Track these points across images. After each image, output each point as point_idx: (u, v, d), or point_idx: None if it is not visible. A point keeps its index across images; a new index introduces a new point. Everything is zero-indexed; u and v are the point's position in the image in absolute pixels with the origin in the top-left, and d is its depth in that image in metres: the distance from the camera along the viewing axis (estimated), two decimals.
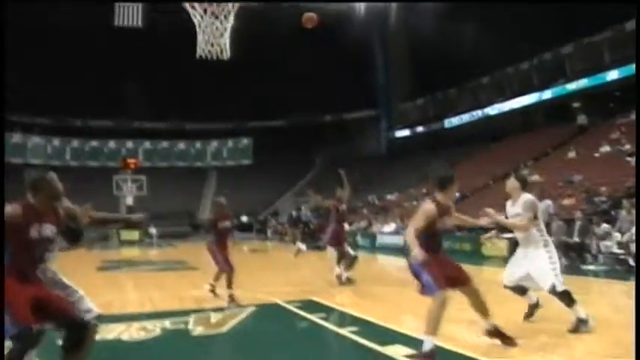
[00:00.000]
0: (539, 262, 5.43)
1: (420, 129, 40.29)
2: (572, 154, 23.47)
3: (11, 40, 34.01)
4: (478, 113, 34.60)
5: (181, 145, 45.91)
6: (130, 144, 44.30)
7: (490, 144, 32.10)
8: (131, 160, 35.64)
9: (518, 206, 5.62)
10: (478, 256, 15.81)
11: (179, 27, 37.08)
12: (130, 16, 37.25)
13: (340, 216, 10.61)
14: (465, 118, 35.65)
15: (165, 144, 45.53)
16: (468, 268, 5.09)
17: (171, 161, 44.79)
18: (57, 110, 41.96)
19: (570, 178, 19.80)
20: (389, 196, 32.04)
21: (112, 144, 43.96)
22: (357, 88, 42.43)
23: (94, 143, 43.69)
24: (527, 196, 5.61)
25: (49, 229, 3.69)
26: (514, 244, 6.44)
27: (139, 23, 37.16)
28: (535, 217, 5.50)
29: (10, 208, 3.63)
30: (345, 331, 5.78)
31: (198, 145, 46.25)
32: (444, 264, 4.75)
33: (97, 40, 38.49)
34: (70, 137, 43.51)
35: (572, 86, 28.05)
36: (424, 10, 35.27)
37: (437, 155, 35.09)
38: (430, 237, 4.66)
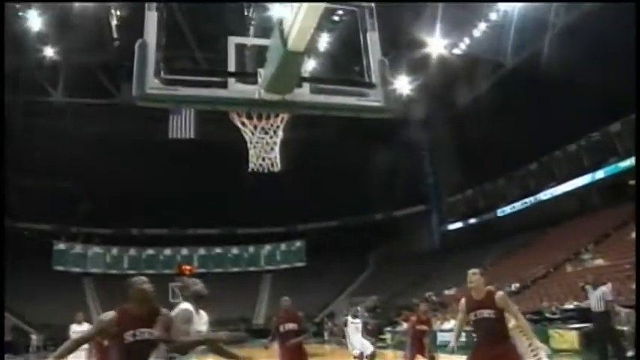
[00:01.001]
0: None
1: (472, 220, 39.86)
2: (634, 234, 22.59)
3: (73, 157, 36.33)
4: (531, 200, 34.07)
5: (234, 250, 46.55)
6: (184, 251, 45.26)
7: (547, 230, 31.39)
8: (186, 267, 36.34)
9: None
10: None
11: (229, 138, 39.13)
12: (182, 128, 39.29)
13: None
14: (518, 206, 35.14)
15: (218, 250, 46.29)
16: None
17: (225, 266, 45.28)
18: (115, 221, 43.89)
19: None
20: (447, 292, 31.28)
21: (167, 251, 45.05)
22: (406, 184, 42.75)
23: (151, 251, 44.86)
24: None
25: (146, 334, 3.88)
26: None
27: (191, 135, 39.09)
28: None
29: (106, 316, 3.91)
30: None
31: (251, 249, 46.81)
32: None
33: (153, 152, 40.71)
34: (127, 246, 44.91)
35: (625, 164, 27.30)
36: (465, 105, 36.14)
37: (492, 246, 34.50)
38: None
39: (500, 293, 5.85)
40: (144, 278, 4.13)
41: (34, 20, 30.13)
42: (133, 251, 44.74)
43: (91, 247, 44.36)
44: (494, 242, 34.70)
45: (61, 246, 43.50)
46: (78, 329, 11.74)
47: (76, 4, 29.05)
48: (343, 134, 39.47)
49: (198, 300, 4.82)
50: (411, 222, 45.31)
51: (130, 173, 41.48)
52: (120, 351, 3.84)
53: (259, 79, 3.83)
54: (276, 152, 4.68)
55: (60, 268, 42.39)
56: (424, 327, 10.03)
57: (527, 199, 34.39)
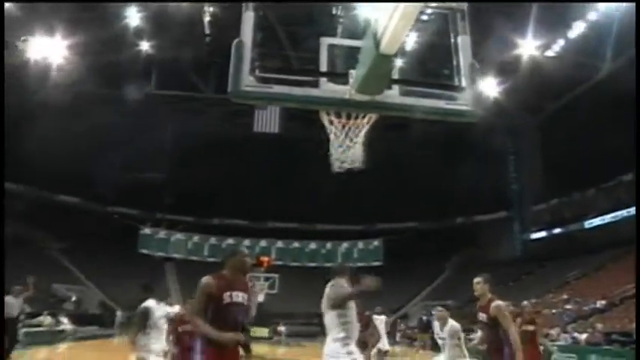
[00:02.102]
0: None
1: (557, 230, 38.29)
2: None
3: (161, 149, 38.00)
4: (622, 213, 32.30)
5: (312, 246, 47.06)
6: (263, 242, 46.25)
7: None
8: (264, 258, 37.04)
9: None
10: None
11: (312, 134, 39.66)
12: (267, 123, 40.10)
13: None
14: (607, 218, 33.44)
15: (296, 244, 46.96)
16: None
17: (302, 261, 45.88)
18: (198, 210, 45.63)
19: None
20: (525, 302, 30.19)
21: (246, 242, 46.20)
22: (490, 190, 41.72)
23: (231, 241, 46.10)
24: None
25: (240, 296, 4.26)
26: None
27: (276, 130, 39.85)
28: None
29: (205, 279, 4.27)
30: None
31: (328, 245, 47.16)
32: None
33: (237, 145, 41.91)
34: (208, 235, 46.45)
35: None
36: (555, 111, 34.71)
37: (577, 259, 33.00)
38: None
39: (496, 302, 5.88)
40: (246, 251, 4.61)
41: (133, 17, 31.63)
42: (213, 240, 46.20)
43: (174, 233, 46.33)
44: (579, 255, 33.16)
45: (147, 231, 45.74)
46: (170, 310, 12.36)
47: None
48: (428, 136, 38.97)
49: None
50: (493, 228, 44.14)
51: (214, 165, 43.05)
52: (218, 312, 4.17)
53: (350, 80, 3.90)
54: (360, 152, 4.75)
55: (144, 251, 44.56)
56: (530, 327, 9.91)
57: (618, 212, 32.67)
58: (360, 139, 4.65)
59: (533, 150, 40.03)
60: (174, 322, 7.65)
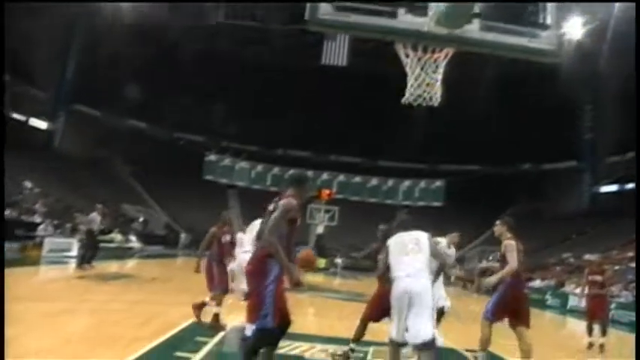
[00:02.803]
0: None
1: (629, 185, 36.67)
2: None
3: (227, 78, 38.35)
4: None
5: (374, 181, 47.09)
6: (325, 175, 46.60)
7: None
8: (326, 191, 37.39)
9: None
10: None
11: (379, 69, 38.96)
12: (335, 55, 39.53)
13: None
14: None
15: (358, 179, 47.08)
16: None
17: (363, 196, 46.09)
18: (263, 140, 46.25)
19: None
20: (587, 256, 29.42)
21: (309, 174, 46.67)
22: (560, 137, 40.11)
23: (293, 171, 46.72)
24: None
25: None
26: None
27: (344, 63, 39.29)
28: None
29: (289, 201, 4.39)
30: None
31: (390, 182, 47.06)
32: None
33: (304, 77, 41.73)
34: (272, 165, 47.18)
35: None
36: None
37: None
38: None
39: (507, 241, 6.19)
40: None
41: None
42: (276, 170, 46.91)
43: (238, 161, 47.27)
44: None
45: (212, 158, 46.85)
46: (244, 237, 12.96)
47: None
48: (499, 78, 37.44)
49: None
50: (560, 178, 42.72)
51: (280, 96, 43.19)
52: (290, 233, 4.32)
53: (429, 12, 3.79)
54: (438, 88, 4.65)
55: (209, 178, 45.83)
56: (598, 277, 9.97)
57: None
58: (439, 75, 4.54)
59: (615, 98, 37.83)
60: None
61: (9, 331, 5.38)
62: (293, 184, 4.59)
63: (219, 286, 7.68)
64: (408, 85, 4.65)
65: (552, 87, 35.18)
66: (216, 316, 7.48)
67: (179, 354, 5.45)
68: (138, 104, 41.90)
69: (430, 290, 4.77)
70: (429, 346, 4.50)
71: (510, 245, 6.12)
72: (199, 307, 7.57)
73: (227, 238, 7.95)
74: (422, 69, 4.49)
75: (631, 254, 26.11)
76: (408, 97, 4.73)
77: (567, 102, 39.05)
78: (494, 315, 6.06)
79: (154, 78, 41.10)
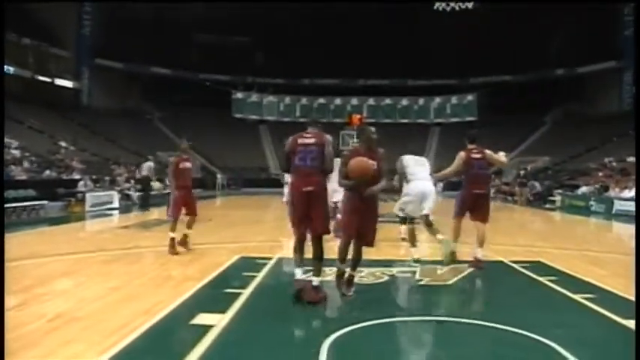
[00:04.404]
0: None
1: None
2: None
3: (247, 13, 37.59)
4: None
5: (404, 102, 46.27)
6: (354, 101, 45.97)
7: None
8: (356, 116, 36.97)
9: None
10: None
11: None
12: None
13: None
14: None
15: (388, 101, 46.30)
16: None
17: (394, 117, 45.42)
18: (288, 72, 45.60)
19: None
20: (629, 159, 28.69)
21: (337, 101, 46.07)
22: (596, 36, 38.29)
23: (322, 100, 46.14)
24: None
25: (370, 163, 5.22)
26: None
27: None
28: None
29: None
30: (579, 297, 5.45)
31: (421, 101, 46.16)
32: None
33: (325, 3, 40.57)
34: (299, 96, 46.68)
35: None
36: None
37: None
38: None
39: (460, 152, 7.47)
40: (372, 129, 5.59)
41: None
42: (304, 100, 46.42)
43: (266, 96, 46.84)
44: None
45: (239, 95, 46.50)
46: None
47: None
48: None
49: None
50: (598, 79, 41.17)
51: (302, 26, 42.20)
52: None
53: None
54: None
55: (238, 115, 45.70)
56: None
57: None
58: None
59: None
60: None
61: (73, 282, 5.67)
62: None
63: (172, 212, 8.29)
64: None
65: None
66: (172, 240, 8.06)
67: (228, 290, 5.51)
68: (158, 50, 41.62)
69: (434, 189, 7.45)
70: (428, 215, 7.11)
71: (458, 155, 7.36)
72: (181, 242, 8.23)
73: (186, 165, 8.55)
74: None
75: None
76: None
77: None
78: (456, 213, 7.23)
79: (171, 21, 40.58)
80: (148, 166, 19.66)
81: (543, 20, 37.80)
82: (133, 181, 22.02)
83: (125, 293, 5.45)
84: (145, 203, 18.43)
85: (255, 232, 11.77)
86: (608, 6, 38.20)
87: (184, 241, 8.22)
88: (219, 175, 37.62)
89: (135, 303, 4.98)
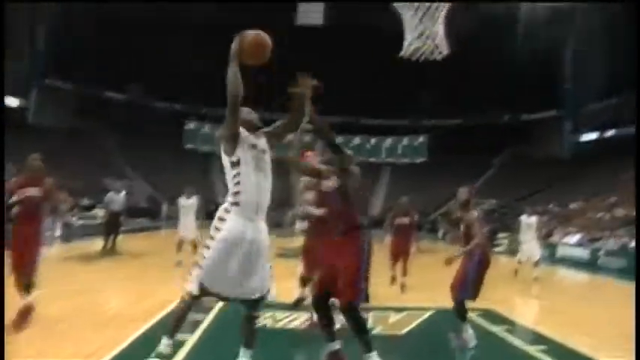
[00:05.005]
0: None
1: (610, 133, 36.83)
2: None
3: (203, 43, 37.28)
4: None
5: (356, 140, 46.69)
6: (306, 137, 45.94)
7: None
8: (308, 152, 37.04)
9: None
10: None
11: (358, 25, 38.19)
12: (311, 14, 38.77)
13: None
14: None
15: (340, 138, 46.51)
16: None
17: None
18: (244, 104, 45.24)
19: None
20: (572, 205, 29.73)
21: (290, 136, 45.94)
22: (540, 86, 40.01)
23: None
24: None
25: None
26: None
27: (321, 21, 38.57)
28: None
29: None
30: (533, 350, 5.43)
31: (373, 140, 46.72)
32: None
33: (279, 38, 40.78)
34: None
35: None
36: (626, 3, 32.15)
37: (629, 163, 31.86)
38: None
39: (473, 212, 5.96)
40: None
41: None
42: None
43: (218, 128, 46.25)
44: (632, 160, 31.97)
45: (192, 126, 45.97)
46: (185, 203, 12.76)
47: None
48: (474, 29, 36.90)
49: None
50: (542, 127, 42.88)
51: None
52: None
53: None
54: (442, 37, 4.33)
55: (190, 146, 45.06)
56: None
57: None
58: (440, 24, 4.21)
59: (596, 44, 37.63)
60: None
61: None
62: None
63: None
64: (406, 36, 4.32)
65: (532, 34, 34.92)
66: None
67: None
68: (114, 75, 40.92)
69: None
70: None
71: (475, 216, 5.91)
72: None
73: (30, 192, 5.86)
74: (420, 20, 4.16)
75: (613, 200, 26.40)
76: (406, 50, 4.42)
77: (547, 50, 38.86)
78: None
79: (127, 45, 40.00)
80: (119, 200, 15.22)
81: (493, 68, 39.12)
82: (76, 209, 21.17)
83: (62, 335, 5.06)
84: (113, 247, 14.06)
85: None
86: (552, 58, 40.12)
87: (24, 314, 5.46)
88: (164, 206, 36.78)
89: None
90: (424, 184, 39.18)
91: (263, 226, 3.80)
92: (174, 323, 3.77)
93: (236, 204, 3.68)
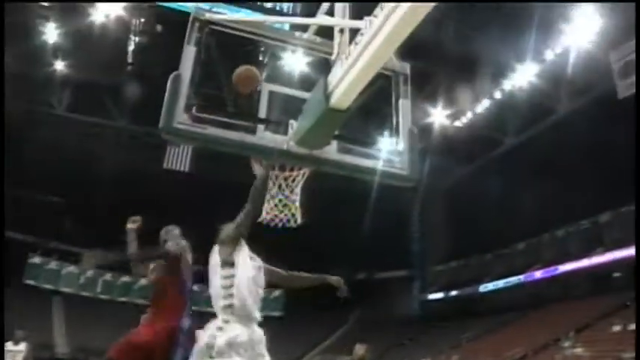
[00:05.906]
0: None
1: (453, 292, 39.43)
2: (616, 327, 22.14)
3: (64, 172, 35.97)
4: (514, 280, 33.71)
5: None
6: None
7: (528, 312, 30.98)
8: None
9: None
10: None
11: (224, 176, 38.97)
12: (178, 160, 39.15)
13: None
14: (500, 284, 34.75)
15: (195, 287, 44.93)
16: None
17: (200, 306, 43.32)
18: (95, 242, 42.74)
19: (619, 355, 18.62)
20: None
21: (143, 281, 43.71)
22: (393, 248, 42.52)
23: (127, 279, 42.61)
24: None
25: None
26: None
27: (186, 168, 38.97)
28: None
29: None
30: None
31: None
32: None
33: (145, 179, 40.39)
34: (104, 270, 43.13)
35: (611, 255, 26.93)
36: (461, 178, 36.51)
37: (472, 321, 34.05)
38: None
39: None
40: None
41: (51, 33, 30.31)
42: (108, 276, 43.22)
43: (66, 265, 42.87)
44: (474, 318, 34.26)
45: (36, 260, 42.15)
46: (13, 348, 11.33)
47: (97, 23, 29.12)
48: (332, 191, 39.34)
49: None
50: (393, 286, 44.80)
51: (116, 197, 41.04)
52: None
53: (290, 130, 3.75)
54: (297, 206, 4.57)
55: (31, 282, 40.95)
56: None
57: (510, 279, 33.99)
58: (296, 195, 4.48)
59: (438, 213, 41.54)
60: None
61: None
62: None
63: None
64: (265, 204, 4.53)
65: (385, 200, 37.73)
66: None
67: None
68: None
69: None
70: None
71: None
72: None
73: None
74: (279, 188, 4.42)
75: (457, 357, 27.65)
76: (264, 217, 4.61)
77: (400, 215, 42.04)
78: None
79: None
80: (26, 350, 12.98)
81: (350, 227, 41.17)
82: None
83: None
84: None
85: None
86: (403, 220, 43.43)
87: None
88: None
89: None
90: (280, 337, 38.00)
91: None
92: None
93: None
